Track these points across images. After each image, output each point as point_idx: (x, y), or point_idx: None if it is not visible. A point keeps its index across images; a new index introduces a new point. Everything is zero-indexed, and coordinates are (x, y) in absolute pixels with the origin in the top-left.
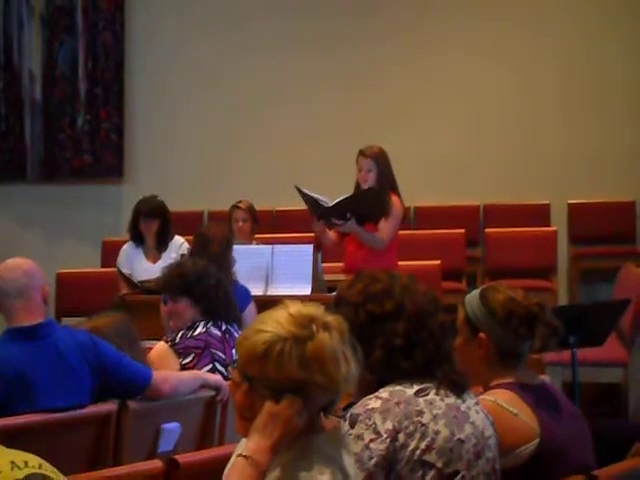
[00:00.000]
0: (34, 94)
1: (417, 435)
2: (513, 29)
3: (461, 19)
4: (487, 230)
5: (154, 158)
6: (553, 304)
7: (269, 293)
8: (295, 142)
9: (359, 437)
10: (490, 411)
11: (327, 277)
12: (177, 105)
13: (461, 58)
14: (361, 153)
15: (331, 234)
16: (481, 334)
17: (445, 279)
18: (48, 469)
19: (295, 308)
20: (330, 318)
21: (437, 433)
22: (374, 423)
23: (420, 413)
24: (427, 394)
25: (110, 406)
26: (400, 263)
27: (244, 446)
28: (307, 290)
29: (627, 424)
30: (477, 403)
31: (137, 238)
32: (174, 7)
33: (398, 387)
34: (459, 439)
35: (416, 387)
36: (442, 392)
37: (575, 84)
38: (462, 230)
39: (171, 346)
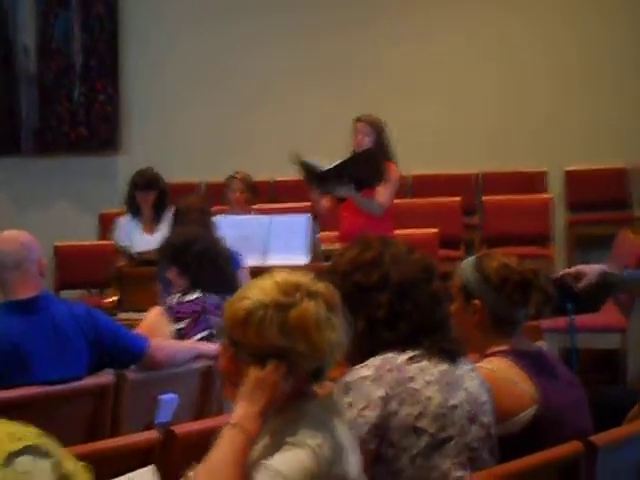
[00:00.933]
0: (29, 67)
1: (409, 401)
2: (505, 4)
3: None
4: (484, 198)
5: (150, 130)
6: (550, 271)
7: (266, 263)
8: (293, 112)
9: (351, 405)
10: (487, 379)
11: (324, 246)
12: (172, 76)
13: (456, 32)
14: (357, 119)
15: (325, 202)
16: (475, 301)
17: (442, 247)
18: (46, 441)
19: (282, 276)
20: (318, 286)
21: (429, 399)
22: (366, 390)
23: (412, 379)
24: (419, 361)
25: (107, 378)
26: (398, 232)
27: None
28: (304, 260)
29: (625, 390)
30: (473, 369)
31: (134, 210)
32: None
33: (390, 354)
34: (452, 405)
35: (408, 354)
36: (434, 359)
37: (568, 51)
38: (459, 198)
39: (166, 310)
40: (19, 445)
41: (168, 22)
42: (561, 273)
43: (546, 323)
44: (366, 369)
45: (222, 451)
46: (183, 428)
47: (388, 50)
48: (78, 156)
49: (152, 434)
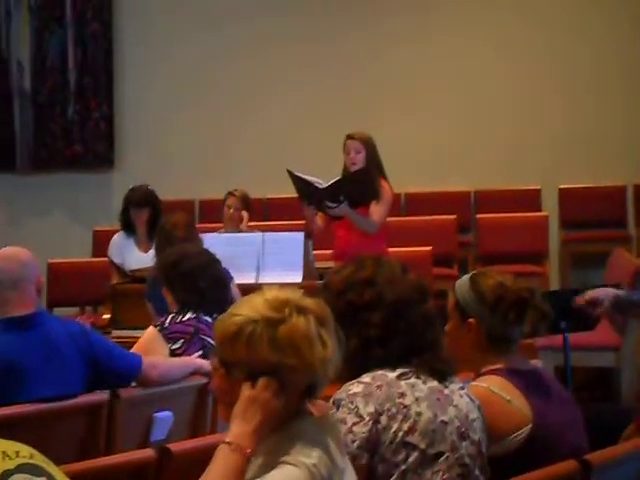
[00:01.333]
0: (23, 84)
1: (399, 417)
2: (505, 15)
3: (453, 5)
4: (478, 216)
5: (144, 147)
6: (545, 289)
7: (260, 281)
8: (287, 130)
9: (342, 421)
10: (482, 397)
11: (317, 264)
12: (167, 94)
13: (451, 45)
14: (349, 137)
15: (318, 220)
16: (471, 319)
17: (436, 265)
18: (39, 459)
19: (271, 293)
20: (307, 302)
21: (419, 415)
22: (356, 407)
23: (402, 395)
24: (409, 378)
25: (102, 395)
26: (391, 249)
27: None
28: (298, 278)
29: (619, 408)
30: (462, 388)
31: (128, 228)
32: None
33: (380, 371)
34: (442, 421)
35: (398, 371)
36: (424, 377)
37: (568, 70)
38: (453, 216)
39: (160, 331)
40: (14, 464)
41: (162, 40)
42: (576, 301)
43: (541, 341)
44: (356, 386)
45: (216, 470)
46: (178, 446)
47: (383, 65)
48: (73, 173)
49: (147, 452)
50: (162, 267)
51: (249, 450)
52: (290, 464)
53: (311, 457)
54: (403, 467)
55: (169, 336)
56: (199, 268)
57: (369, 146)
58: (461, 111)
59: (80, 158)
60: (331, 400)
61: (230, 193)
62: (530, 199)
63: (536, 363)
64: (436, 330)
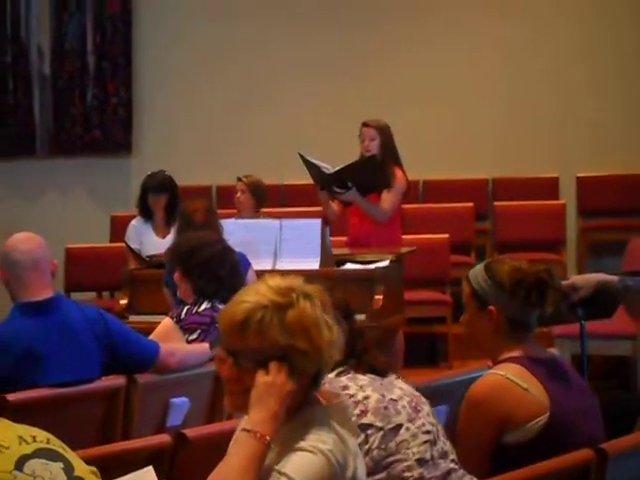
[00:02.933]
0: (42, 69)
1: (354, 406)
2: (516, 9)
3: (467, 2)
4: (496, 204)
5: (162, 133)
6: (562, 277)
7: (277, 267)
8: (304, 117)
9: None
10: (499, 385)
11: (335, 251)
12: (185, 79)
13: (467, 37)
14: (364, 124)
15: (334, 206)
16: (490, 307)
17: (454, 253)
18: (56, 444)
19: (274, 280)
20: (310, 288)
21: (367, 398)
22: None
23: (346, 388)
24: (347, 373)
25: (119, 380)
26: (409, 237)
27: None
28: (315, 264)
29: (636, 397)
30: (398, 378)
31: (146, 213)
32: None
33: None
34: (391, 399)
35: (336, 371)
36: (361, 371)
37: (578, 56)
38: (471, 204)
39: (176, 322)
40: (30, 448)
41: (181, 25)
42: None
43: (557, 330)
44: None
45: (235, 458)
46: (194, 432)
47: (399, 53)
48: (91, 158)
49: (163, 437)
50: (178, 255)
51: (269, 437)
52: (306, 450)
53: (327, 443)
54: (366, 447)
55: (185, 327)
56: (218, 256)
57: (384, 133)
58: (479, 99)
59: (98, 143)
60: None
61: (238, 178)
62: (548, 187)
63: (553, 351)
64: (365, 338)
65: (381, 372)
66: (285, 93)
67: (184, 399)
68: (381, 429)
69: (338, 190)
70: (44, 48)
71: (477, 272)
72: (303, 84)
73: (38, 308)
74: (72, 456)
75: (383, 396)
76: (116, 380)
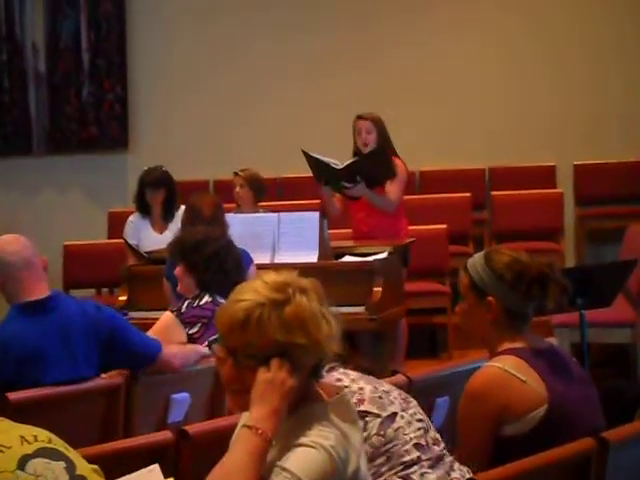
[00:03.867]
0: (38, 66)
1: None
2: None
3: None
4: (493, 193)
5: (159, 128)
6: (560, 266)
7: (275, 261)
8: (301, 111)
9: None
10: (497, 377)
11: (333, 244)
12: (181, 74)
13: (463, 27)
14: (359, 117)
15: (335, 202)
16: (490, 298)
17: (452, 243)
18: (58, 443)
19: (270, 277)
20: (305, 281)
21: (362, 389)
22: None
23: (339, 380)
24: (338, 368)
25: (119, 378)
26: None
27: (247, 417)
28: (314, 257)
29: (636, 385)
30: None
31: (143, 209)
32: None
33: None
34: (383, 390)
35: (326, 367)
36: (349, 367)
37: (574, 46)
38: (468, 194)
39: (177, 316)
40: (32, 448)
41: (176, 21)
42: None
43: (557, 318)
44: None
45: (237, 454)
46: (196, 428)
47: (395, 45)
48: (88, 155)
49: (165, 434)
50: (183, 250)
51: (270, 434)
52: (308, 446)
53: (329, 439)
54: (365, 434)
55: (186, 320)
56: (224, 250)
57: (380, 126)
58: (475, 88)
59: (95, 140)
60: None
61: (235, 173)
62: (545, 176)
63: (552, 341)
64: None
65: (368, 372)
66: (282, 88)
67: (185, 395)
68: (378, 415)
69: (347, 185)
70: (39, 46)
71: (476, 262)
72: (299, 79)
73: (36, 308)
74: (74, 455)
75: (376, 387)
76: (116, 377)
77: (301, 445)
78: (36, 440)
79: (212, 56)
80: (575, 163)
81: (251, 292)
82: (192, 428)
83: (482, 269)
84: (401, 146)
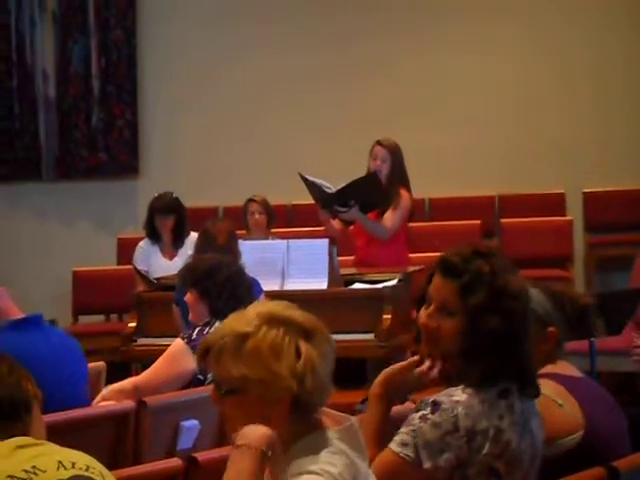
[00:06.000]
0: (48, 92)
1: (492, 440)
2: (518, 24)
3: (470, 17)
4: (503, 220)
5: (169, 154)
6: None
7: (285, 288)
8: (310, 136)
9: (436, 425)
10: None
11: (342, 271)
12: (191, 101)
13: (474, 54)
14: (378, 143)
15: (335, 225)
16: (551, 328)
17: None
18: (95, 471)
19: (250, 309)
20: (290, 313)
21: (509, 442)
22: (455, 416)
23: (500, 418)
24: (507, 396)
25: (128, 404)
26: (416, 255)
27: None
28: (324, 284)
29: None
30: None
31: (153, 235)
32: (186, 3)
33: (485, 387)
34: (522, 449)
35: (500, 387)
36: (521, 395)
37: (584, 73)
38: (478, 221)
39: (187, 343)
40: (67, 474)
41: (186, 46)
42: None
43: (567, 346)
44: (460, 394)
45: (228, 476)
46: (205, 455)
47: (404, 71)
48: (98, 181)
49: (174, 461)
50: (195, 276)
51: (257, 443)
52: (315, 473)
53: (336, 466)
54: None
55: (197, 347)
56: (237, 276)
57: (395, 155)
58: (485, 116)
59: (105, 166)
60: (430, 400)
61: (251, 200)
62: (554, 203)
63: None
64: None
65: (535, 392)
66: (293, 112)
67: (194, 422)
68: (501, 478)
69: (340, 209)
70: (49, 71)
71: (535, 293)
72: (311, 102)
73: (24, 323)
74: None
75: (518, 444)
76: (125, 403)
77: (307, 472)
78: (73, 467)
79: (221, 84)
80: (584, 190)
81: (225, 325)
82: (201, 455)
83: (544, 299)
84: (410, 173)
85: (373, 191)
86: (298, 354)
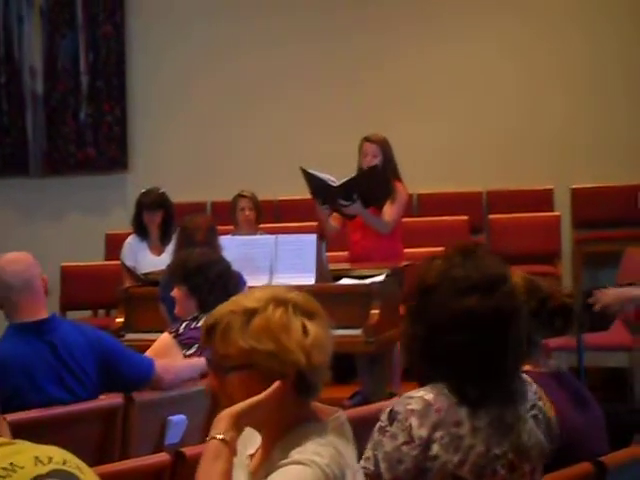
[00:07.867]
0: (35, 88)
1: (451, 448)
2: (512, 18)
3: (461, 11)
4: (490, 216)
5: (157, 150)
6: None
7: (273, 283)
8: (297, 131)
9: (393, 437)
10: None
11: (331, 266)
12: (179, 96)
13: (461, 48)
14: (366, 139)
15: (333, 222)
16: None
17: None
18: (72, 465)
19: (256, 290)
20: (292, 295)
21: (472, 447)
22: (409, 425)
23: (458, 424)
24: (472, 404)
25: (116, 399)
26: (405, 251)
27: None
28: (311, 279)
29: (633, 409)
30: (533, 407)
31: (141, 231)
32: None
33: (445, 391)
34: (495, 454)
35: (461, 394)
36: (490, 402)
37: (575, 68)
38: (466, 217)
39: (175, 337)
40: (45, 469)
41: (174, 41)
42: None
43: (554, 342)
44: (415, 402)
45: (202, 468)
46: (193, 450)
47: (393, 66)
48: (85, 176)
49: (162, 456)
50: (185, 272)
51: (225, 430)
52: (301, 463)
53: (323, 456)
54: None
55: (184, 342)
56: (227, 272)
57: (385, 149)
58: (472, 112)
59: (93, 161)
60: (388, 409)
61: (240, 195)
62: (542, 199)
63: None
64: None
65: (514, 398)
66: (280, 107)
67: (182, 417)
68: None
69: (344, 203)
70: (37, 67)
71: None
72: (298, 97)
73: (32, 329)
74: (89, 477)
75: (488, 450)
76: (113, 399)
77: (294, 462)
78: (50, 462)
79: (210, 78)
80: (573, 187)
81: (231, 302)
82: (189, 450)
83: None
84: (398, 167)
85: (375, 185)
86: (305, 331)
